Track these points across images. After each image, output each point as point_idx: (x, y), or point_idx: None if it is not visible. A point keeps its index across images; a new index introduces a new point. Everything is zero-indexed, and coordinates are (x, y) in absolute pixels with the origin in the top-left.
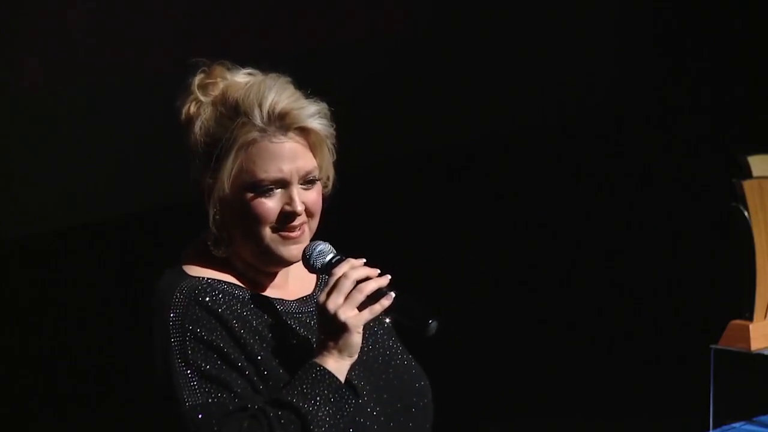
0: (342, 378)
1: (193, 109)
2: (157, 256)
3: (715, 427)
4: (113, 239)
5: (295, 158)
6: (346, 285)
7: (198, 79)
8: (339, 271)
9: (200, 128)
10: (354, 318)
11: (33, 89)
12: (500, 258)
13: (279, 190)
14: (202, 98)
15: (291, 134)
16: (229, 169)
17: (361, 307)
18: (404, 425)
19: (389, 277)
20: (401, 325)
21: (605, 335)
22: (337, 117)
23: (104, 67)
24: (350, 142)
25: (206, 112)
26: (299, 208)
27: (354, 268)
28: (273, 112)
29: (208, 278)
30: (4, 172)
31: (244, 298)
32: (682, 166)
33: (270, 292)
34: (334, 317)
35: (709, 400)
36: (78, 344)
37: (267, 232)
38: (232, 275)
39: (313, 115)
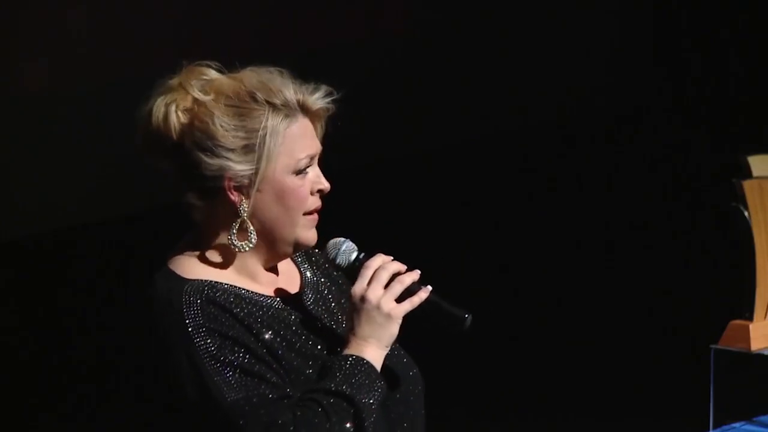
0: (378, 368)
1: (185, 109)
2: (157, 256)
3: (715, 427)
4: (113, 239)
5: (314, 136)
6: (384, 276)
7: (187, 80)
8: (374, 264)
9: (222, 125)
10: (396, 309)
11: (33, 89)
12: (500, 258)
13: (308, 169)
14: (203, 98)
15: (306, 115)
16: (274, 154)
17: (398, 300)
18: (405, 414)
19: (419, 271)
20: (429, 320)
21: (605, 335)
22: (336, 117)
23: (104, 67)
24: (350, 142)
25: (219, 109)
26: (327, 184)
27: (387, 262)
28: (298, 97)
29: (207, 280)
30: (4, 172)
31: (246, 297)
32: (682, 166)
33: (265, 291)
34: (377, 308)
35: (709, 400)
36: (78, 344)
37: (299, 216)
38: (226, 276)
39: (323, 96)
